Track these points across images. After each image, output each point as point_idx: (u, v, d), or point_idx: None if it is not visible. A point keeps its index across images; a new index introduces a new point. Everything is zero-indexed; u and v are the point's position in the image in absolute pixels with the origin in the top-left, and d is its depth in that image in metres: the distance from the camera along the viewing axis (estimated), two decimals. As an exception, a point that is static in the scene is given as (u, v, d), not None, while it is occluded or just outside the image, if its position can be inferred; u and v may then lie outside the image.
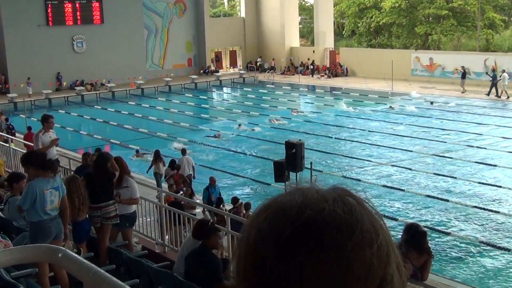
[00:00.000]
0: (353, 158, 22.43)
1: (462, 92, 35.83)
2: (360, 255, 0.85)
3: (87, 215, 9.46)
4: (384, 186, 18.70)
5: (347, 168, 21.11)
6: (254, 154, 23.76)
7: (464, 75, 36.34)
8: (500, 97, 34.18)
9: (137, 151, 22.88)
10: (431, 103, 33.45)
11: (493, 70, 35.33)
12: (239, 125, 28.85)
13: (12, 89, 38.58)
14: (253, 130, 27.86)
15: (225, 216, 11.16)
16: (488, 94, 34.67)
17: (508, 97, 33.84)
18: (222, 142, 25.81)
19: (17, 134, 22.14)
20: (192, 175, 18.12)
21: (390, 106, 33.25)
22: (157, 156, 18.52)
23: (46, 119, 12.75)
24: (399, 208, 16.79)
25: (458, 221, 15.66)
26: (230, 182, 20.09)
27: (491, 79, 34.59)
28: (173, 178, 17.04)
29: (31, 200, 7.54)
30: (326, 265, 0.83)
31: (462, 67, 36.60)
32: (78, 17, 41.87)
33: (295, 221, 0.86)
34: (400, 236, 5.61)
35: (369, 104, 34.15)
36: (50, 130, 12.67)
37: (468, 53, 42.95)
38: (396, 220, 15.42)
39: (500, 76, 34.40)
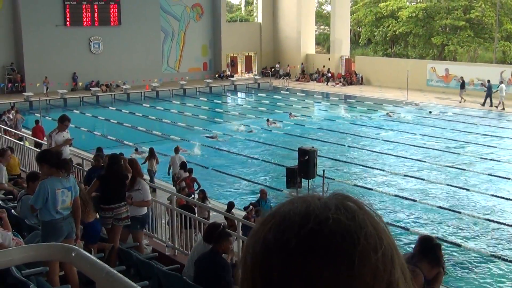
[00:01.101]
0: (366, 166, 22.36)
1: (460, 102, 36.20)
2: (366, 262, 0.84)
3: (98, 216, 9.51)
4: (396, 196, 18.61)
5: (359, 177, 21.04)
6: (268, 160, 23.75)
7: (463, 85, 36.97)
8: (497, 107, 34.51)
9: (136, 149, 23.11)
10: (430, 112, 33.82)
11: (488, 81, 35.70)
12: (250, 130, 29.07)
13: (28, 88, 38.80)
14: (250, 131, 28.58)
15: (236, 221, 11.16)
16: (483, 104, 35.17)
17: (504, 108, 34.15)
18: (232, 145, 25.83)
19: (25, 130, 22.22)
20: (180, 170, 18.26)
21: (388, 113, 33.70)
22: (152, 154, 18.85)
23: (63, 120, 12.78)
24: (410, 218, 16.71)
25: (470, 233, 15.57)
26: (240, 187, 20.11)
27: (485, 89, 35.28)
28: (185, 181, 17.08)
29: (43, 199, 7.58)
30: (334, 274, 0.83)
31: (461, 77, 37.18)
32: (96, 18, 42.11)
33: (300, 231, 0.86)
34: (413, 247, 5.57)
35: (381, 112, 34.12)
36: (64, 130, 12.73)
37: (484, 64, 42.74)
38: (407, 230, 15.35)
39: (498, 87, 34.67)
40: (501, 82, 35.07)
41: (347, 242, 0.85)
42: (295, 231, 0.86)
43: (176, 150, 19.35)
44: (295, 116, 32.46)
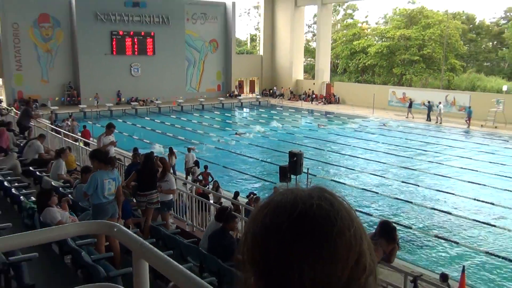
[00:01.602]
0: (340, 166, 22.34)
1: (407, 117, 36.46)
2: (342, 237, 0.86)
3: (130, 198, 9.49)
4: (363, 189, 18.60)
5: (335, 174, 21.03)
6: (265, 160, 23.74)
7: (410, 105, 37.34)
8: (436, 122, 34.65)
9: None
10: (384, 124, 34.01)
11: (429, 102, 36.12)
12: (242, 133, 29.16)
13: (82, 101, 38.80)
14: (240, 135, 28.45)
15: (240, 206, 11.17)
16: (428, 119, 35.40)
17: (441, 122, 34.41)
18: (237, 148, 25.84)
19: (79, 134, 22.25)
20: (194, 166, 18.31)
21: (384, 124, 33.77)
22: (171, 151, 18.84)
23: (110, 127, 12.83)
24: (373, 206, 16.70)
25: (418, 218, 15.54)
26: (244, 180, 20.10)
27: (427, 108, 35.75)
28: (202, 174, 17.13)
29: (93, 187, 7.59)
30: (318, 247, 0.84)
31: (410, 99, 37.68)
32: (136, 49, 42.03)
33: (291, 215, 0.86)
34: (375, 228, 5.59)
35: (351, 123, 34.10)
36: (110, 135, 12.78)
37: (433, 90, 42.68)
38: (371, 215, 15.32)
39: (437, 107, 35.06)
40: (439, 103, 35.30)
41: (328, 223, 0.86)
42: (287, 215, 0.86)
43: (189, 150, 19.52)
44: (264, 131, 31.78)
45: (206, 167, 17.50)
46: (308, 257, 0.83)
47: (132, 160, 12.78)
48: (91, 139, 20.37)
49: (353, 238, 0.86)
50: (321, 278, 0.83)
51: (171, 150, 19.09)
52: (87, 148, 15.86)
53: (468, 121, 33.20)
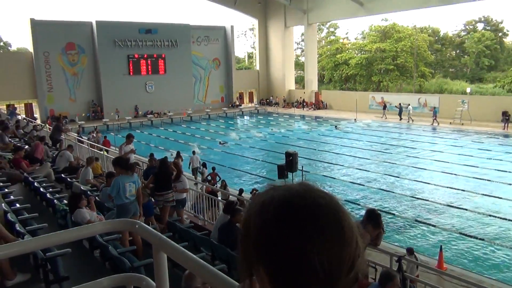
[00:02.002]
0: (330, 163, 22.29)
1: (382, 118, 36.81)
2: (349, 222, 0.80)
3: (151, 199, 9.46)
4: (351, 182, 18.56)
5: (326, 170, 20.98)
6: (265, 160, 23.70)
7: (384, 107, 37.83)
8: (408, 121, 34.83)
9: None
10: (336, 127, 33.92)
11: (400, 104, 36.40)
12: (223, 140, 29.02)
13: (105, 116, 38.82)
14: (223, 144, 28.09)
15: (245, 201, 11.12)
16: (400, 119, 35.61)
17: (412, 121, 34.55)
18: (240, 151, 25.81)
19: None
20: (200, 167, 18.18)
21: (335, 126, 33.79)
22: (178, 154, 18.77)
23: (129, 137, 12.82)
24: (360, 196, 16.67)
25: (400, 205, 15.51)
26: (247, 178, 20.05)
27: (398, 109, 36.06)
28: (210, 175, 17.04)
29: (117, 190, 7.54)
30: (334, 233, 0.78)
31: (384, 102, 37.87)
32: (149, 69, 42.00)
33: (303, 207, 0.78)
34: (362, 216, 5.56)
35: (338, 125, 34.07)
36: (130, 144, 12.74)
37: (407, 94, 42.69)
38: (359, 205, 15.29)
39: (407, 108, 35.35)
40: (408, 105, 35.56)
41: (338, 211, 0.80)
42: (300, 207, 0.78)
43: (194, 152, 19.63)
44: (224, 143, 30.67)
45: (213, 168, 17.45)
46: (325, 243, 0.76)
47: (149, 164, 12.76)
48: (111, 147, 20.36)
49: (353, 223, 0.81)
50: (335, 261, 0.76)
51: (178, 153, 19.03)
52: (110, 156, 15.83)
53: (435, 119, 33.34)
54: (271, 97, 50.49)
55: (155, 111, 41.62)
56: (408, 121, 34.92)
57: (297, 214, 0.78)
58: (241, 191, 14.43)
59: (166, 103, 42.35)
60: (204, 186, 12.34)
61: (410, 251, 8.77)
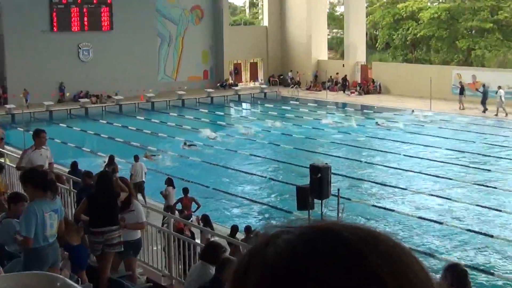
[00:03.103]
0: (385, 185, 22.24)
1: (461, 109, 37.48)
2: None
3: (85, 239, 9.44)
4: (420, 217, 18.50)
5: (378, 196, 20.93)
6: (274, 177, 23.71)
7: (462, 90, 38.32)
8: (496, 114, 35.64)
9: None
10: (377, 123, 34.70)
11: (483, 86, 37.42)
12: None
13: (10, 100, 38.99)
14: (189, 147, 28.83)
15: (241, 247, 11.08)
16: (484, 110, 36.40)
17: (506, 114, 35.08)
18: (233, 161, 25.82)
19: (9, 148, 22.20)
20: (168, 187, 18.37)
21: (376, 122, 34.77)
22: (111, 161, 18.99)
23: (38, 134, 12.45)
24: (436, 243, 16.59)
25: (503, 259, 15.43)
26: (244, 207, 20.03)
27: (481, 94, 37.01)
28: (181, 201, 16.93)
29: (36, 226, 7.50)
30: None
31: (460, 82, 38.46)
32: (85, 23, 42.34)
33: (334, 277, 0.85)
34: (439, 275, 5.54)
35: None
36: (42, 146, 12.37)
37: (515, 70, 42.64)
38: (433, 256, 15.23)
39: (497, 93, 35.64)
40: (499, 88, 35.65)
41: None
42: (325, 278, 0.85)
43: (136, 158, 19.92)
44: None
45: (186, 190, 17.35)
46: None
47: (82, 183, 12.75)
48: (13, 151, 20.30)
49: None
50: None
51: (111, 159, 19.25)
52: (13, 165, 15.74)
53: None
54: (289, 73, 50.54)
55: (92, 93, 41.83)
56: (497, 114, 35.33)
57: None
58: (234, 230, 14.37)
59: (111, 79, 42.58)
60: (172, 221, 12.32)
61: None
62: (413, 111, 37.35)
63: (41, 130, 12.72)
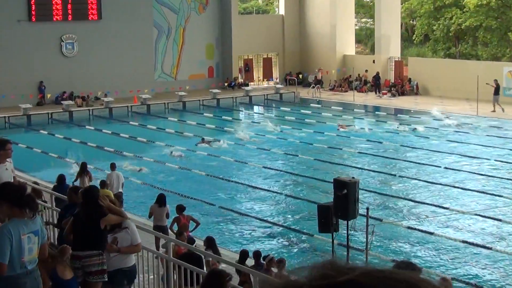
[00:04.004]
0: (423, 203, 22.15)
1: (492, 111, 37.78)
2: None
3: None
4: (465, 241, 18.42)
5: (415, 217, 20.85)
6: (291, 194, 23.70)
7: (497, 90, 38.41)
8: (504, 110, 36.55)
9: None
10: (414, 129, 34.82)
11: (496, 81, 37.96)
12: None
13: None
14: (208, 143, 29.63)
15: (251, 276, 11.11)
16: (494, 109, 37.32)
17: None
18: (242, 174, 25.84)
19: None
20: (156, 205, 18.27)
21: (414, 128, 34.94)
22: (83, 169, 19.34)
23: (3, 145, 12.21)
24: (484, 272, 16.52)
25: None
26: (255, 229, 20.02)
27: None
28: (177, 222, 16.82)
29: (10, 250, 7.51)
30: None
31: (495, 80, 38.60)
32: (69, 11, 42.41)
33: None
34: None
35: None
36: (6, 160, 12.18)
37: None
38: (479, 288, 15.19)
39: None
40: None
41: None
42: None
43: (113, 167, 20.26)
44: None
45: (181, 208, 17.22)
46: None
47: (68, 199, 12.81)
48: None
49: None
50: None
51: (83, 167, 19.59)
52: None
53: None
54: (316, 70, 50.39)
55: (77, 94, 41.93)
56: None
57: None
58: (243, 255, 14.37)
59: (100, 78, 42.68)
60: (171, 244, 12.36)
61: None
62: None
63: (6, 140, 12.47)
